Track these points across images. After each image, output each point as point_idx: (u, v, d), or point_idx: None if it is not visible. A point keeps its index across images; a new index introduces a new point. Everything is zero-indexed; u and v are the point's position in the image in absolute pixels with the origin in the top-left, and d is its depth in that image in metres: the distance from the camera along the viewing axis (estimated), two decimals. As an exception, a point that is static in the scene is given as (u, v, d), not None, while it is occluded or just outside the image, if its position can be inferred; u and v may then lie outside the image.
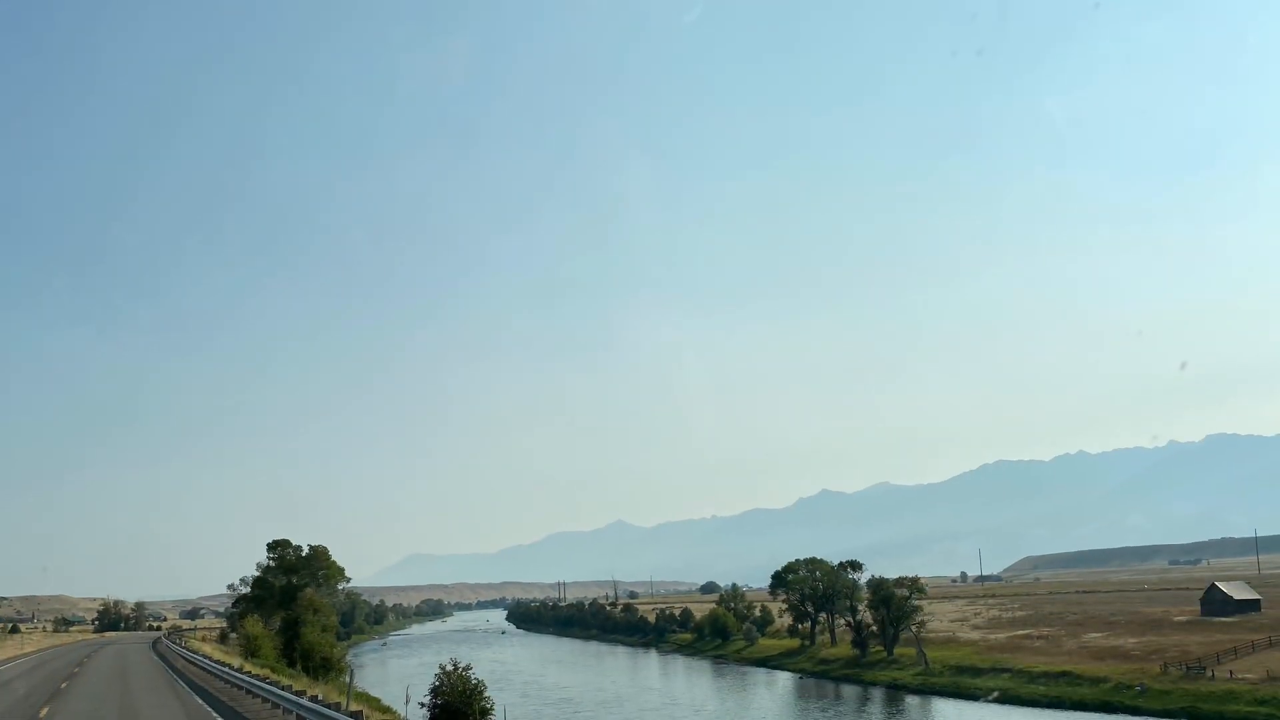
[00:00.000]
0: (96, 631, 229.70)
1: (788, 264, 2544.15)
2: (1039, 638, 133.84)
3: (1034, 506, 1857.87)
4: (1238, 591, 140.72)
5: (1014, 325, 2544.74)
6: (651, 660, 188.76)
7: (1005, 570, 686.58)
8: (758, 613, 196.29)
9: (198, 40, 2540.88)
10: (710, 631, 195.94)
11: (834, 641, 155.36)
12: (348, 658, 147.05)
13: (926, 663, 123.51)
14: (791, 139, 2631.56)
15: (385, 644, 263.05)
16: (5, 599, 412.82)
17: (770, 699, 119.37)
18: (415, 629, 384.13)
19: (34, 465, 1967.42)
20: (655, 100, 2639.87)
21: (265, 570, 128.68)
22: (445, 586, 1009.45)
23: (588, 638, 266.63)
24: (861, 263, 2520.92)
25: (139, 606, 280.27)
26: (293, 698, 37.72)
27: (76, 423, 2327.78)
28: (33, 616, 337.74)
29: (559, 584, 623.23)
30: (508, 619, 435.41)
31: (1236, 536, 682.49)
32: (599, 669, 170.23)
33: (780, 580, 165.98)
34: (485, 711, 51.01)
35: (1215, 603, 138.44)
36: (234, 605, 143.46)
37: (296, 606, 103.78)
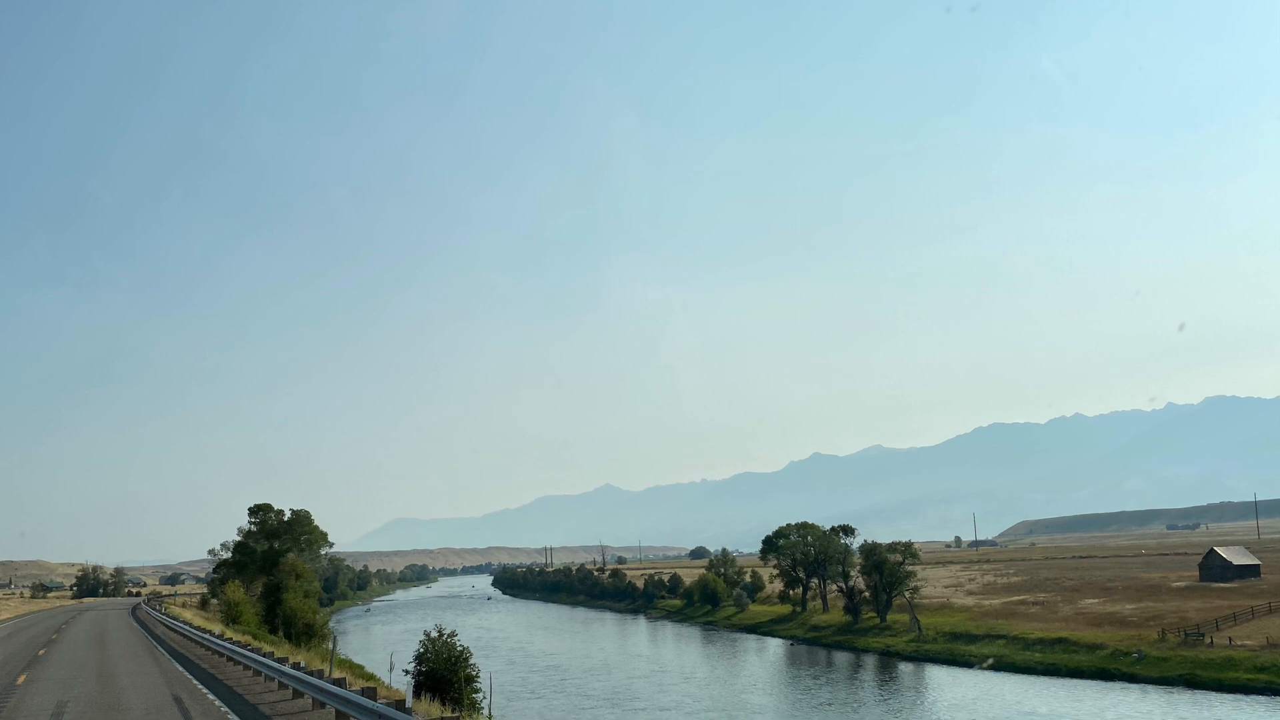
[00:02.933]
0: (75, 598, 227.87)
1: (778, 223, 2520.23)
2: (1034, 604, 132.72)
3: (1029, 470, 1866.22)
4: (1237, 556, 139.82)
5: (1009, 285, 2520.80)
6: (640, 627, 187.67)
7: (1000, 535, 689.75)
8: (748, 578, 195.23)
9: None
10: (700, 598, 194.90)
11: (826, 608, 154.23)
12: (331, 624, 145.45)
13: (920, 629, 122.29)
14: (783, 96, 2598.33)
15: (369, 610, 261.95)
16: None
17: (760, 666, 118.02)
18: (400, 595, 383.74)
19: (10, 428, 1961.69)
20: (644, 56, 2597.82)
21: (246, 535, 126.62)
22: (430, 551, 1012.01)
23: (575, 604, 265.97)
24: (853, 222, 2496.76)
25: (118, 572, 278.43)
26: (275, 665, 36.19)
27: (54, 384, 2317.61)
28: (10, 582, 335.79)
29: (546, 549, 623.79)
30: (494, 584, 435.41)
31: (1235, 500, 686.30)
32: (586, 636, 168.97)
33: (771, 545, 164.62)
34: (471, 679, 49.53)
35: (1214, 568, 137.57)
36: (214, 571, 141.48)
37: (278, 572, 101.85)
